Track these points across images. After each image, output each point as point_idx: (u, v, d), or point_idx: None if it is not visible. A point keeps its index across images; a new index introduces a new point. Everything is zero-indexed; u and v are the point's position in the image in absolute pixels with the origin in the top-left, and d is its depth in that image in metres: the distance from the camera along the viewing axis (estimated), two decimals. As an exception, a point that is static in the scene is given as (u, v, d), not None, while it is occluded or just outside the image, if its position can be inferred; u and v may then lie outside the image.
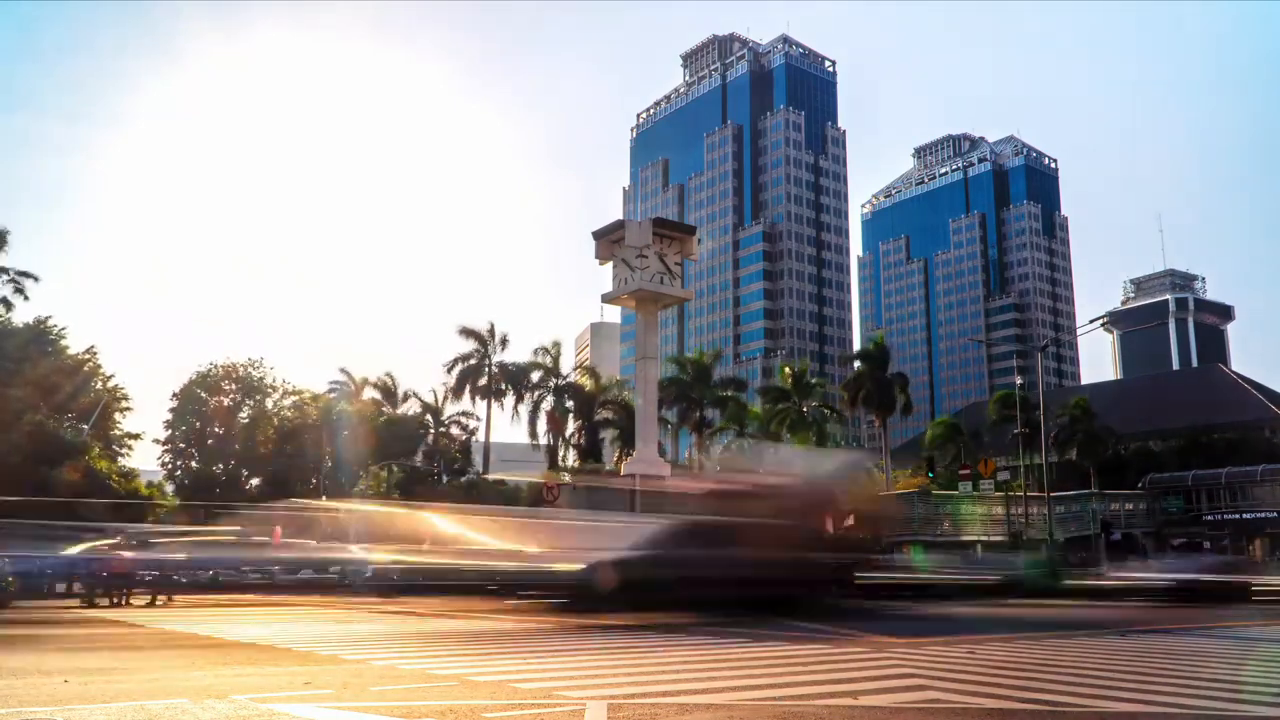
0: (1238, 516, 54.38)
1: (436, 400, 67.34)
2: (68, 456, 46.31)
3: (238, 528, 41.61)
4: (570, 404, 64.55)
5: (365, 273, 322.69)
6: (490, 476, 65.60)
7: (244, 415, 67.29)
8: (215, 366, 66.94)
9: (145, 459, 68.51)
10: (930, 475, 54.62)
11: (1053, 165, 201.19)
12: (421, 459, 67.22)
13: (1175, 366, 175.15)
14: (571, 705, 7.21)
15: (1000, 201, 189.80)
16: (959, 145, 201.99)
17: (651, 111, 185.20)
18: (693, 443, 67.54)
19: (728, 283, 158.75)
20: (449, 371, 64.71)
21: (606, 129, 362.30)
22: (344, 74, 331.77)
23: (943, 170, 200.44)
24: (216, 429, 66.28)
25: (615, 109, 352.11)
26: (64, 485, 43.73)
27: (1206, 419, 64.31)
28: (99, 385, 57.34)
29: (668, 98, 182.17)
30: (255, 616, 21.61)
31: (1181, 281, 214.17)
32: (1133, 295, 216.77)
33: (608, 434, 64.44)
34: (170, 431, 65.32)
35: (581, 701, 7.33)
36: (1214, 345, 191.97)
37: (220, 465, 66.52)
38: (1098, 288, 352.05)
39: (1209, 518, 55.27)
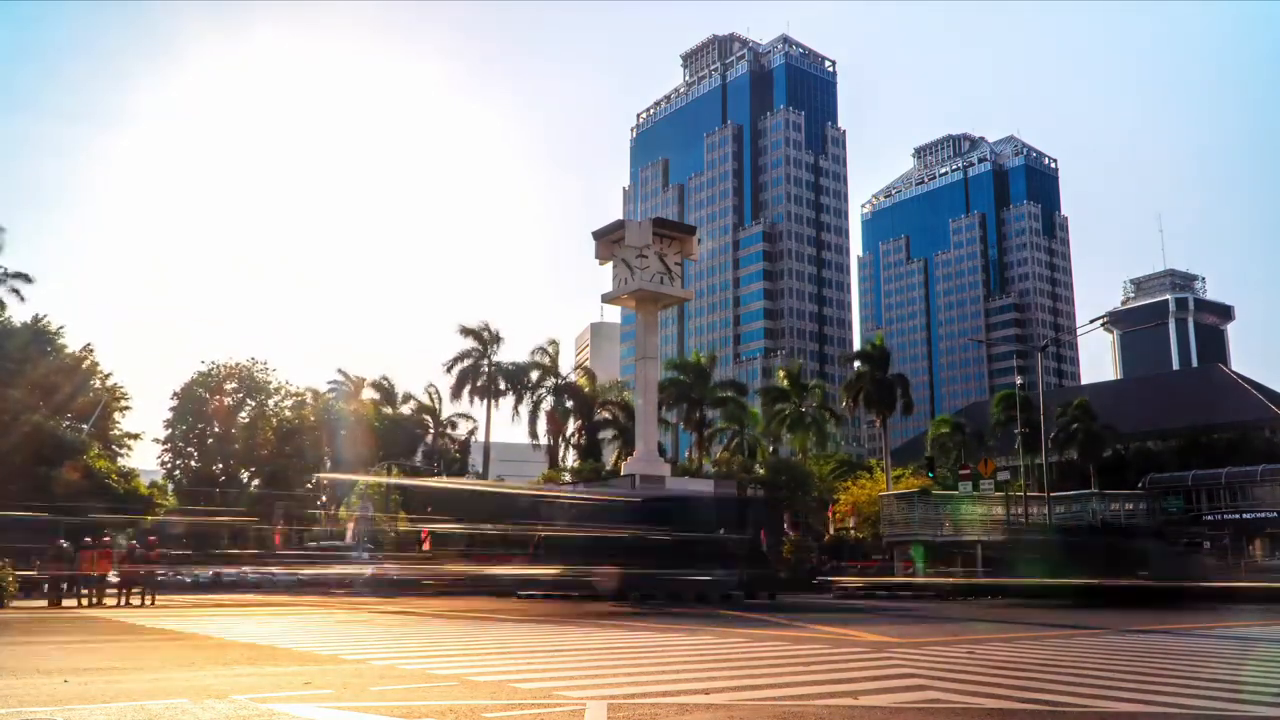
0: (1238, 516, 54.30)
1: (435, 400, 67.36)
2: (67, 456, 46.31)
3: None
4: (570, 404, 64.54)
5: (365, 273, 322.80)
6: (489, 476, 65.64)
7: (244, 415, 67.31)
8: (216, 366, 66.96)
9: (145, 459, 68.55)
10: (930, 475, 54.59)
11: (1053, 165, 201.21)
12: (421, 459, 67.22)
13: (1175, 366, 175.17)
14: (571, 705, 7.21)
15: (1000, 201, 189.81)
16: (959, 145, 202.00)
17: (651, 111, 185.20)
18: (693, 443, 67.55)
19: (728, 283, 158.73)
20: (448, 371, 64.70)
21: (606, 129, 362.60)
22: (344, 74, 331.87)
23: (943, 170, 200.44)
24: (216, 429, 66.29)
25: (615, 109, 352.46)
26: (63, 485, 43.75)
27: (1206, 419, 64.28)
28: (98, 384, 57.33)
29: (668, 98, 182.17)
30: (255, 616, 21.62)
31: (1181, 281, 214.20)
32: (1133, 295, 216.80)
33: (607, 434, 64.44)
34: (170, 431, 65.33)
35: (581, 701, 7.33)
36: (1214, 345, 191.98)
37: (220, 465, 66.53)
38: (1098, 288, 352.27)
39: (1209, 518, 55.19)
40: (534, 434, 63.80)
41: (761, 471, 58.28)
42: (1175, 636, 15.83)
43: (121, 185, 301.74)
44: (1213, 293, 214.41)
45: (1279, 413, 63.64)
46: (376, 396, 70.07)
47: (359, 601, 31.99)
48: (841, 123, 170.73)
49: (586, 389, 65.67)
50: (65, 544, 28.87)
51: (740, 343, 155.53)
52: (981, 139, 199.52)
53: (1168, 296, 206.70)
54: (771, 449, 66.97)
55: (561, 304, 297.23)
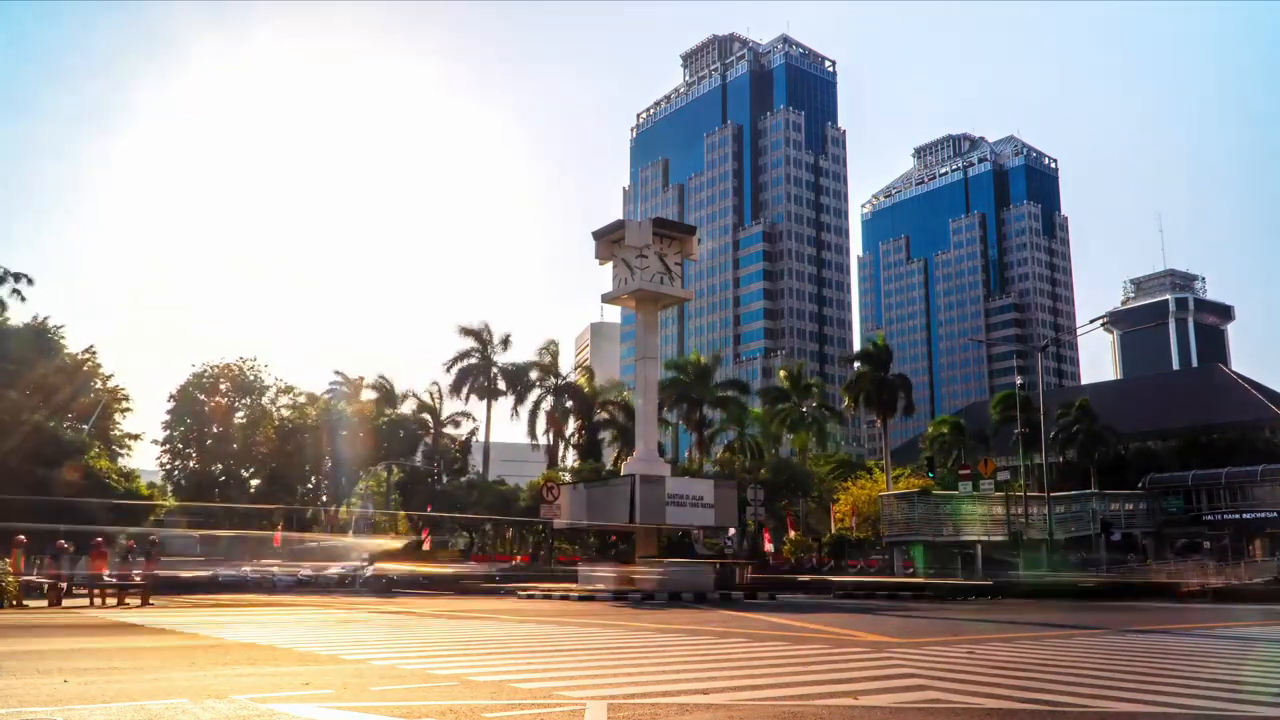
0: (1238, 516, 54.33)
1: (435, 400, 67.33)
2: (67, 457, 46.30)
3: None
4: (570, 404, 64.55)
5: (365, 273, 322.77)
6: (489, 477, 65.65)
7: (241, 415, 67.30)
8: (211, 367, 66.95)
9: (145, 459, 68.57)
10: (930, 475, 54.62)
11: (1053, 165, 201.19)
12: (421, 459, 67.20)
13: (1175, 366, 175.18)
14: (571, 705, 7.21)
15: (1000, 201, 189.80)
16: (959, 145, 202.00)
17: (651, 111, 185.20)
18: (693, 443, 67.55)
19: (728, 283, 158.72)
20: (448, 371, 64.75)
21: (606, 129, 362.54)
22: (344, 74, 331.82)
23: (943, 170, 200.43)
24: (214, 429, 66.28)
25: (615, 109, 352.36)
26: (63, 485, 43.73)
27: (1206, 419, 64.29)
28: (98, 385, 57.34)
29: (668, 98, 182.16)
30: (255, 616, 21.62)
31: (1181, 281, 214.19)
32: (1133, 295, 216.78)
33: (607, 434, 64.44)
34: (169, 432, 65.33)
35: (581, 701, 7.33)
36: (1214, 345, 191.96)
37: (219, 465, 66.51)
38: (1098, 288, 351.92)
39: (1209, 518, 55.21)
40: (533, 434, 63.85)
41: (762, 472, 58.29)
42: (1175, 636, 15.83)
43: (122, 186, 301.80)
44: (1213, 293, 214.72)
45: (1279, 413, 63.63)
46: (376, 396, 70.06)
47: (359, 601, 32.00)
48: (841, 123, 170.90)
49: (586, 389, 65.68)
50: (65, 544, 28.84)
51: (740, 343, 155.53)
52: (981, 139, 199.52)
53: (1168, 296, 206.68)
54: (773, 449, 66.99)
55: (561, 304, 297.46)
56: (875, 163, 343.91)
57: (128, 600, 27.03)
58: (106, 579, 27.73)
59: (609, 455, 65.59)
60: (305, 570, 50.26)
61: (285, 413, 68.13)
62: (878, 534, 48.70)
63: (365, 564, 45.22)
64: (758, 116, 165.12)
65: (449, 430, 68.37)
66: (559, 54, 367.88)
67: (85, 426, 52.42)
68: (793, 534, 50.81)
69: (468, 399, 65.58)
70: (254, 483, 67.71)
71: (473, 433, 68.59)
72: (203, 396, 66.08)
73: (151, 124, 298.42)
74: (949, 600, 32.35)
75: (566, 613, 22.54)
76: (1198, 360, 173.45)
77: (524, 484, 61.55)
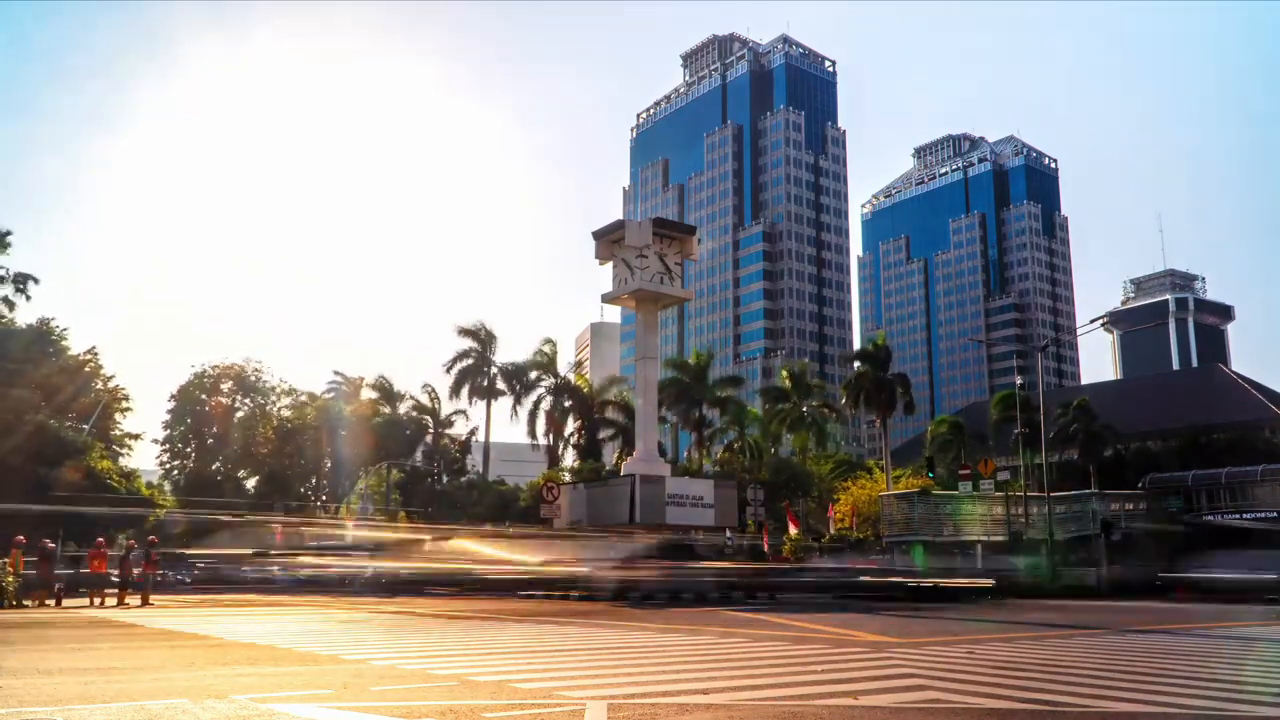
0: (1238, 516, 54.32)
1: (435, 400, 67.34)
2: (68, 456, 46.30)
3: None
4: (569, 404, 64.55)
5: (365, 273, 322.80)
6: (490, 477, 65.66)
7: (241, 415, 67.32)
8: (212, 367, 66.95)
9: (146, 459, 68.58)
10: (930, 475, 54.58)
11: (1053, 165, 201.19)
12: (421, 459, 67.20)
13: (1175, 366, 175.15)
14: (571, 705, 7.21)
15: (1000, 201, 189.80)
16: (959, 145, 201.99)
17: (651, 111, 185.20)
18: (693, 442, 67.54)
19: (728, 283, 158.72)
20: (448, 371, 64.75)
21: (606, 129, 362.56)
22: (343, 74, 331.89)
23: (943, 170, 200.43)
24: (214, 429, 66.30)
25: (615, 109, 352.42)
26: (64, 485, 43.74)
27: (1206, 419, 64.25)
28: (99, 385, 57.35)
29: (668, 98, 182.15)
30: (255, 616, 21.62)
31: (1181, 281, 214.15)
32: (1133, 295, 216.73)
33: (607, 434, 64.44)
34: (169, 432, 65.35)
35: (581, 701, 7.33)
36: (1214, 345, 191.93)
37: (219, 465, 66.53)
38: (1098, 288, 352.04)
39: (1209, 518, 55.21)
40: (533, 434, 63.85)
41: (762, 472, 58.28)
42: (1175, 636, 15.84)
43: (122, 186, 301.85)
44: (1213, 293, 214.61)
45: (1279, 413, 63.61)
46: (375, 396, 70.06)
47: (359, 601, 32.00)
48: (841, 123, 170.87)
49: (586, 389, 65.69)
50: (49, 544, 28.79)
51: (740, 343, 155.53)
52: (981, 139, 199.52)
53: (1168, 296, 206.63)
54: (772, 449, 66.96)
55: (561, 304, 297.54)
56: (875, 163, 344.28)
57: (127, 600, 27.05)
58: (107, 578, 27.75)
59: (609, 455, 65.58)
60: (308, 560, 50.22)
61: (285, 413, 68.17)
62: (878, 534, 48.66)
63: (365, 559, 44.99)
64: (758, 116, 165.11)
65: (449, 430, 68.41)
66: (559, 54, 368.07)
67: (86, 426, 52.43)
68: (794, 531, 50.71)
69: (470, 399, 65.64)
70: (253, 483, 67.72)
71: (472, 433, 68.63)
72: (204, 396, 66.11)
73: (151, 124, 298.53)
74: (949, 600, 32.34)
75: (566, 613, 22.54)
76: (1198, 360, 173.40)
77: (524, 484, 61.56)
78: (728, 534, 43.85)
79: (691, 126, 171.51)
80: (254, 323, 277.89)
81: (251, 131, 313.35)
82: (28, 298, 52.77)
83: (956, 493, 46.80)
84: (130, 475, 54.50)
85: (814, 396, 67.52)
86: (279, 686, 8.29)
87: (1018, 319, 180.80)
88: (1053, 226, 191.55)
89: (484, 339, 65.12)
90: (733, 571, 32.63)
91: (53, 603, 27.15)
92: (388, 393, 69.67)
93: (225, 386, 67.27)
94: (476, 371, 64.61)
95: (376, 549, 44.56)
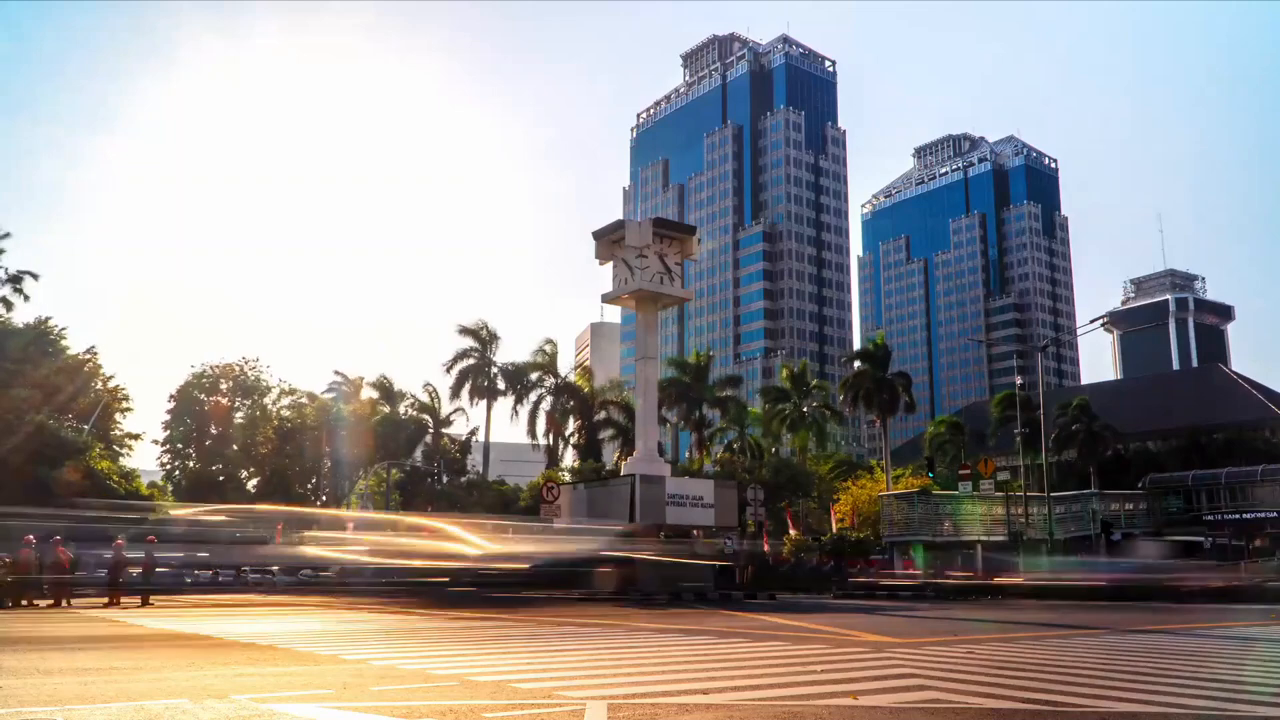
0: (1238, 516, 54.34)
1: (435, 400, 67.32)
2: (68, 456, 46.27)
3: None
4: (569, 404, 64.54)
5: (365, 272, 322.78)
6: (490, 477, 65.63)
7: (240, 416, 67.30)
8: (211, 367, 66.91)
9: (146, 459, 68.59)
10: (930, 475, 54.60)
11: (1053, 165, 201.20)
12: (421, 459, 67.19)
13: (1175, 366, 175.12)
14: (571, 705, 7.21)
15: (1000, 201, 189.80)
16: (959, 145, 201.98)
17: (651, 111, 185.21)
18: (693, 442, 67.54)
19: (728, 283, 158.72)
20: (448, 371, 64.71)
21: (606, 129, 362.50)
22: (343, 74, 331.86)
23: (943, 170, 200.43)
24: (214, 429, 66.28)
25: (615, 109, 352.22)
26: (64, 485, 43.71)
27: (1206, 419, 64.29)
28: (99, 385, 57.34)
29: (668, 98, 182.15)
30: (255, 616, 21.62)
31: (1181, 281, 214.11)
32: (1133, 295, 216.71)
33: (607, 434, 64.42)
34: (169, 432, 65.33)
35: (581, 701, 7.33)
36: (1214, 345, 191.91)
37: (219, 465, 66.50)
38: (1098, 288, 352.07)
39: (1209, 518, 55.23)
40: (533, 434, 63.80)
41: (762, 471, 58.29)
42: (1175, 636, 15.84)
43: (121, 186, 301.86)
44: (1213, 293, 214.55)
45: (1279, 413, 63.62)
46: (376, 396, 70.05)
47: (359, 601, 32.00)
48: (841, 123, 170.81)
49: (586, 389, 65.68)
50: (32, 539, 28.78)
51: (740, 342, 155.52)
52: (981, 139, 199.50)
53: (1168, 296, 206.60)
54: (773, 449, 66.98)
55: (561, 304, 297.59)
56: (875, 163, 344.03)
57: (123, 601, 27.04)
58: (105, 578, 27.74)
59: (609, 455, 65.57)
60: (305, 570, 50.12)
61: (285, 413, 68.14)
62: (878, 534, 48.67)
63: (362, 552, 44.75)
64: (758, 116, 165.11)
65: (449, 430, 68.39)
66: (559, 54, 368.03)
67: (86, 426, 52.42)
68: (793, 532, 50.71)
69: (471, 399, 65.61)
70: (254, 483, 67.69)
71: (473, 433, 68.60)
72: (203, 396, 66.08)
73: (151, 124, 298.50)
74: (949, 600, 32.36)
75: (566, 613, 22.55)
76: (1198, 360, 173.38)
77: (524, 484, 61.55)
78: (727, 540, 43.80)
79: (691, 126, 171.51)
80: (254, 322, 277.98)
81: (251, 131, 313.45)
82: (25, 297, 52.74)
83: (956, 493, 46.81)
84: (130, 475, 54.48)
85: (814, 396, 67.50)
86: (279, 686, 8.29)
87: (1018, 319, 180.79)
88: (1053, 226, 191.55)
89: (485, 338, 65.09)
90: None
91: (54, 603, 27.16)
92: (388, 392, 69.66)
93: (225, 386, 67.26)
94: (477, 371, 64.58)
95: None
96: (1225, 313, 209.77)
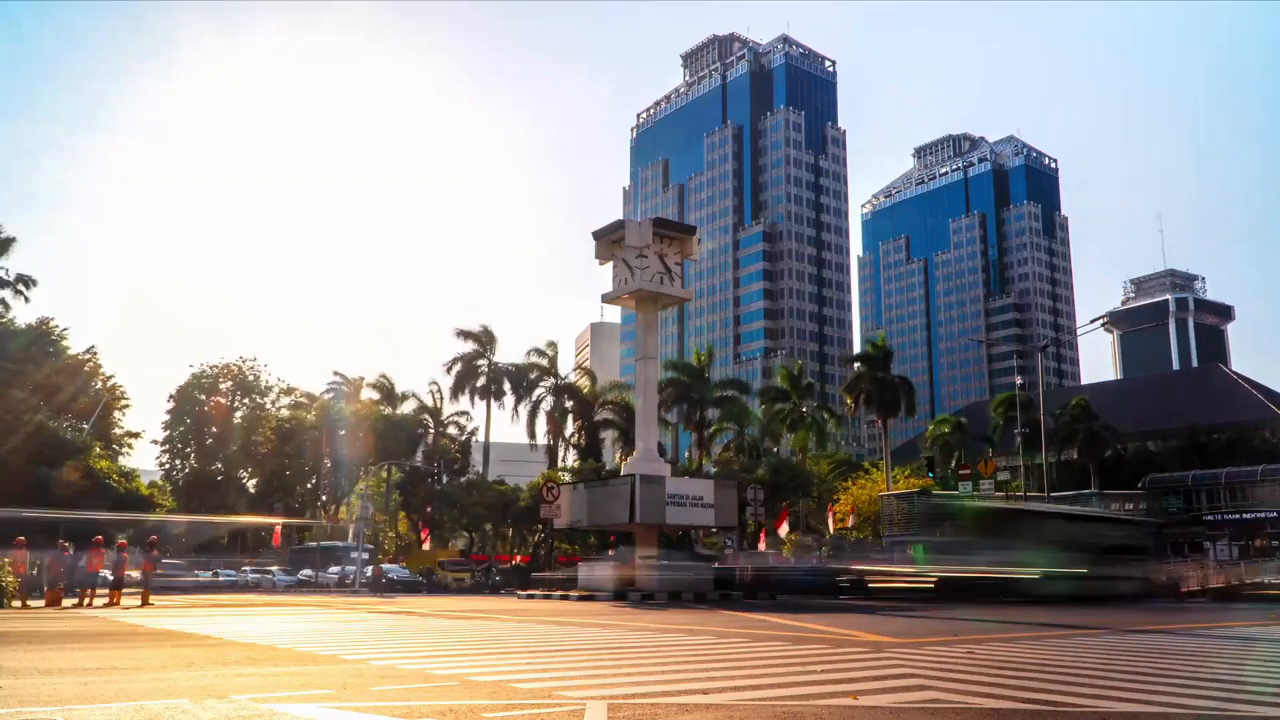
0: (1238, 516, 54.37)
1: (435, 400, 67.34)
2: (68, 456, 46.29)
3: None
4: (569, 404, 64.53)
5: (365, 272, 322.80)
6: (490, 477, 65.60)
7: (241, 416, 67.30)
8: (210, 367, 66.89)
9: (146, 459, 68.62)
10: (930, 475, 54.59)
11: (1053, 165, 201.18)
12: (421, 459, 67.21)
13: (1175, 366, 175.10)
14: (571, 705, 7.21)
15: (1000, 202, 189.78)
16: (959, 145, 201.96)
17: (651, 111, 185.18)
18: (693, 442, 67.52)
19: (728, 283, 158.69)
20: (448, 371, 64.77)
21: (606, 129, 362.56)
22: (343, 74, 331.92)
23: (943, 170, 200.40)
24: (214, 429, 66.29)
25: (615, 109, 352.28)
26: (64, 485, 43.73)
27: (1206, 419, 64.30)
28: (99, 385, 57.37)
29: (668, 98, 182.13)
30: (255, 616, 21.62)
31: (1181, 281, 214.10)
32: (1133, 295, 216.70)
33: (607, 434, 64.41)
34: (168, 432, 65.35)
35: (581, 701, 7.32)
36: (1214, 345, 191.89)
37: (218, 465, 66.50)
38: (1098, 288, 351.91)
39: (1209, 518, 55.26)
40: (533, 434, 63.84)
41: (762, 472, 58.28)
42: (1175, 636, 15.84)
43: (121, 186, 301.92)
44: (1213, 293, 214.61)
45: (1279, 413, 63.62)
46: (376, 396, 70.05)
47: (358, 601, 31.99)
48: (841, 123, 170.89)
49: (586, 389, 65.68)
50: (65, 544, 28.85)
51: (740, 342, 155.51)
52: (981, 139, 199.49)
53: (1168, 296, 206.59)
54: (772, 449, 66.97)
55: (561, 304, 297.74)
56: (875, 163, 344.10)
57: (123, 602, 27.02)
58: (105, 578, 27.73)
59: (609, 455, 65.56)
60: (305, 570, 50.03)
61: (285, 413, 68.12)
62: (878, 534, 48.65)
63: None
64: (758, 116, 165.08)
65: (449, 430, 68.39)
66: (559, 54, 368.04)
67: (85, 426, 52.45)
68: (783, 530, 50.69)
69: (471, 400, 65.63)
70: (254, 483, 67.68)
71: (473, 433, 68.63)
72: (203, 396, 66.08)
73: (151, 123, 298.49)
74: (949, 600, 32.32)
75: (566, 613, 22.54)
76: (1198, 360, 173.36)
77: (524, 484, 61.54)
78: (728, 541, 43.72)
79: (691, 126, 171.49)
80: (254, 322, 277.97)
81: (251, 131, 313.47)
82: (26, 300, 52.83)
83: (956, 493, 46.77)
84: (130, 475, 54.55)
85: (814, 396, 67.51)
86: (279, 686, 8.28)
87: (1018, 319, 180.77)
88: (1053, 226, 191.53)
89: (484, 340, 65.10)
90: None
91: (45, 603, 27.16)
92: (388, 392, 69.68)
93: (225, 386, 67.27)
94: (477, 372, 64.60)
95: None
96: (1225, 313, 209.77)
